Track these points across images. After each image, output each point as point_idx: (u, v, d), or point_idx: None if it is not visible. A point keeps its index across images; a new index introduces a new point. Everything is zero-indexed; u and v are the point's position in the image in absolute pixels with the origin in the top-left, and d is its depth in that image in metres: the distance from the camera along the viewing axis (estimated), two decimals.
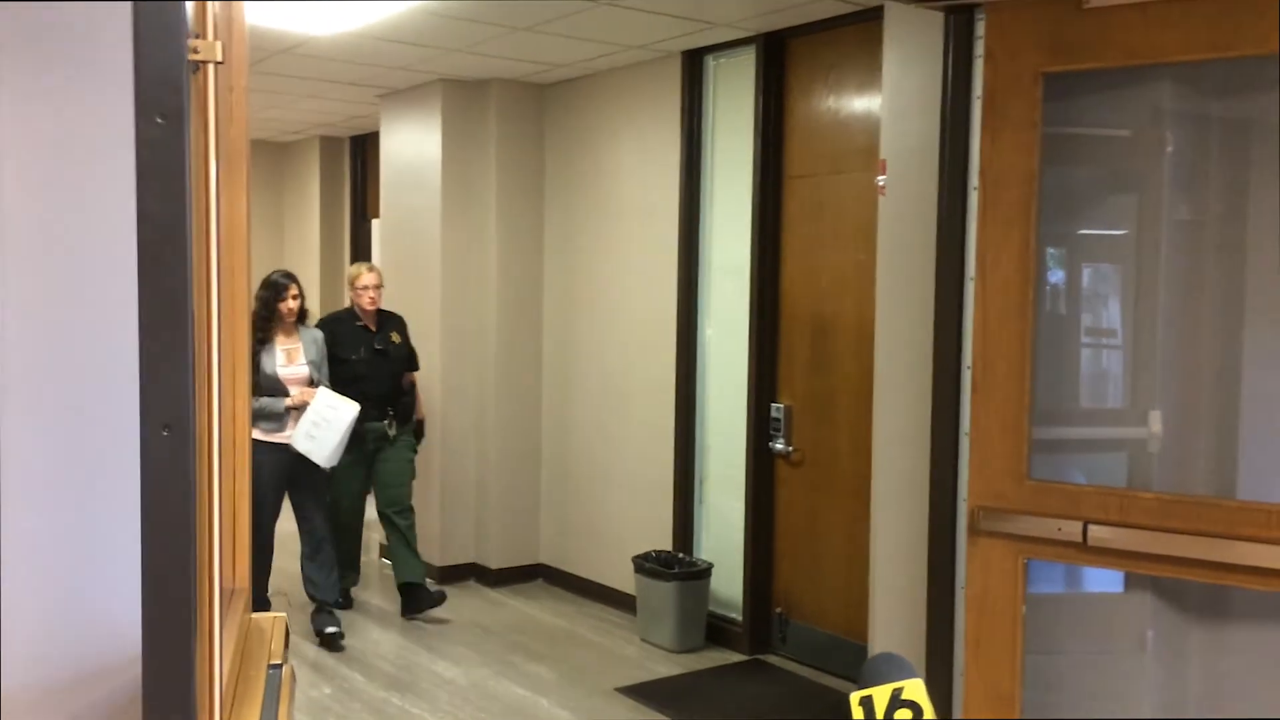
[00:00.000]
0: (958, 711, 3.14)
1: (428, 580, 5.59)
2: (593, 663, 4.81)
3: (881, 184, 3.62)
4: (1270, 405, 2.99)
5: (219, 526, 1.21)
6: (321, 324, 5.34)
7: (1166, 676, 3.17)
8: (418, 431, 5.63)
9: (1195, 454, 3.11)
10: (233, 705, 1.37)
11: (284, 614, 2.45)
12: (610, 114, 5.55)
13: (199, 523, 1.05)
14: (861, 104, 4.39)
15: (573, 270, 5.80)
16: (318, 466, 4.92)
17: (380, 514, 5.50)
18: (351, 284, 5.37)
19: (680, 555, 5.11)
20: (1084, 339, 3.43)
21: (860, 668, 1.27)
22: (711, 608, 5.04)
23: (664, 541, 5.25)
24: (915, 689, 1.21)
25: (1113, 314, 3.39)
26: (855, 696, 1.20)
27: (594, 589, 5.68)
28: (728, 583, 5.04)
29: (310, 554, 5.13)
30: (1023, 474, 2.92)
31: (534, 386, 6.02)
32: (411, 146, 6.16)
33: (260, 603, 4.74)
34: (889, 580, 3.66)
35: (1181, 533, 2.68)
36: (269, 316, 4.88)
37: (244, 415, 1.74)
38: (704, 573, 5.01)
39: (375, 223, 7.58)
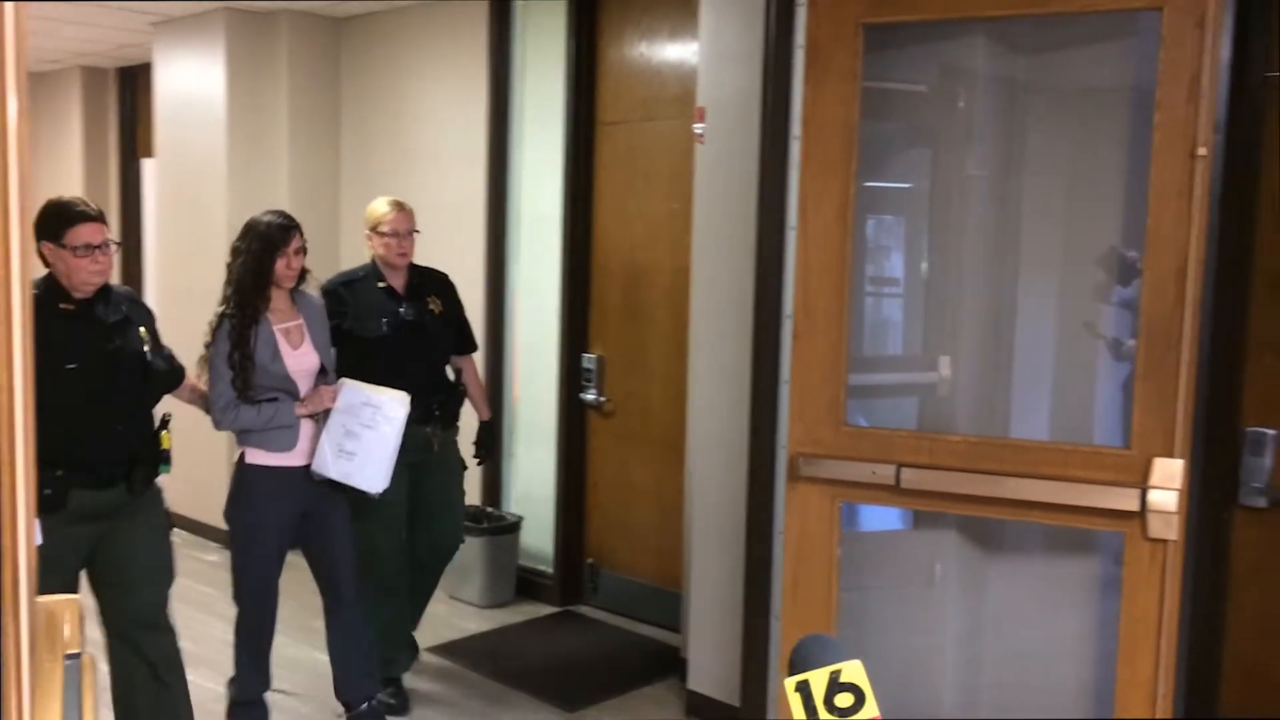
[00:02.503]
0: (775, 653, 3.21)
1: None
2: None
3: (699, 132, 3.60)
4: (1040, 350, 3.15)
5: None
6: (327, 288, 3.69)
7: (955, 607, 3.33)
8: (481, 440, 4.04)
9: (978, 396, 3.25)
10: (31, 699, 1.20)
11: (77, 595, 2.23)
12: (414, 53, 5.30)
13: None
14: (675, 51, 4.35)
15: None
16: (340, 500, 3.42)
17: (415, 561, 3.92)
18: (372, 228, 3.75)
19: (489, 510, 5.02)
20: (884, 289, 3.54)
21: (794, 649, 1.19)
22: (522, 561, 4.98)
23: (472, 496, 5.13)
24: (854, 671, 1.14)
25: (910, 264, 3.51)
26: (790, 683, 1.13)
27: None
28: (538, 536, 4.98)
29: (339, 631, 3.54)
30: (840, 420, 2.98)
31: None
32: (192, 81, 5.70)
33: (255, 708, 3.53)
34: (706, 527, 3.70)
35: (987, 473, 2.80)
36: (260, 282, 3.24)
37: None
38: (513, 527, 4.94)
39: (148, 162, 7.02)
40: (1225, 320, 2.74)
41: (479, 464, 4.09)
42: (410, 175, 5.33)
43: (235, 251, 3.30)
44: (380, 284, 3.74)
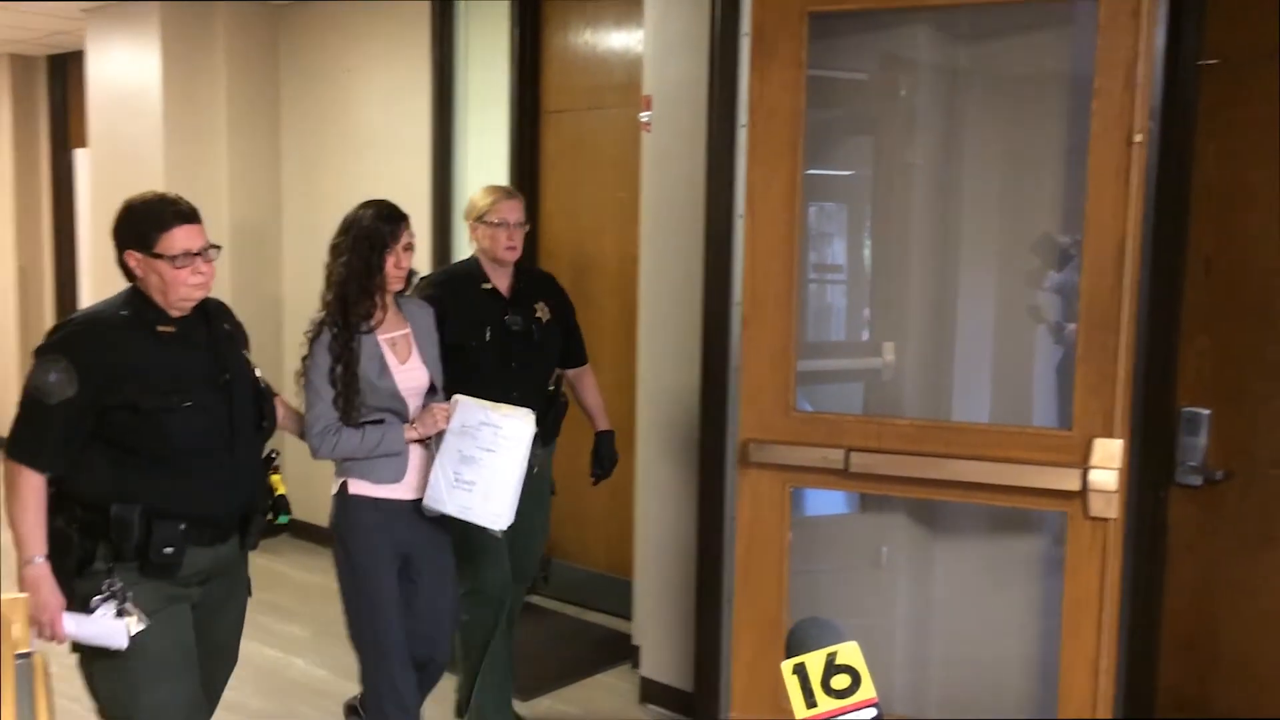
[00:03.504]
0: (728, 638, 3.24)
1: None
2: None
3: (646, 120, 3.60)
4: (982, 334, 3.21)
5: None
6: (424, 288, 3.19)
7: (904, 588, 3.39)
8: (602, 454, 3.55)
9: (923, 380, 3.31)
10: None
11: (23, 595, 2.19)
12: (355, 41, 5.23)
13: None
14: (621, 38, 4.35)
15: (315, 208, 5.45)
16: (447, 543, 3.00)
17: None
18: (476, 218, 3.27)
19: None
20: (830, 276, 3.58)
21: (790, 632, 1.19)
22: None
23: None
24: (850, 652, 1.15)
25: (854, 251, 3.55)
26: (788, 666, 1.13)
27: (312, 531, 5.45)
28: None
29: (427, 687, 3.09)
30: (789, 406, 3.01)
31: (275, 336, 5.66)
32: (126, 69, 5.58)
33: None
34: (657, 515, 3.71)
35: (933, 455, 2.85)
36: (367, 286, 2.80)
37: None
38: None
39: (81, 153, 6.86)
40: (1161, 303, 2.81)
41: (595, 483, 3.59)
42: (353, 165, 5.27)
43: (335, 249, 2.85)
44: (485, 285, 3.25)
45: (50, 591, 2.36)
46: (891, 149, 3.35)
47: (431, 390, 2.94)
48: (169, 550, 2.39)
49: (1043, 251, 3.12)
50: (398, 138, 5.06)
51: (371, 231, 2.81)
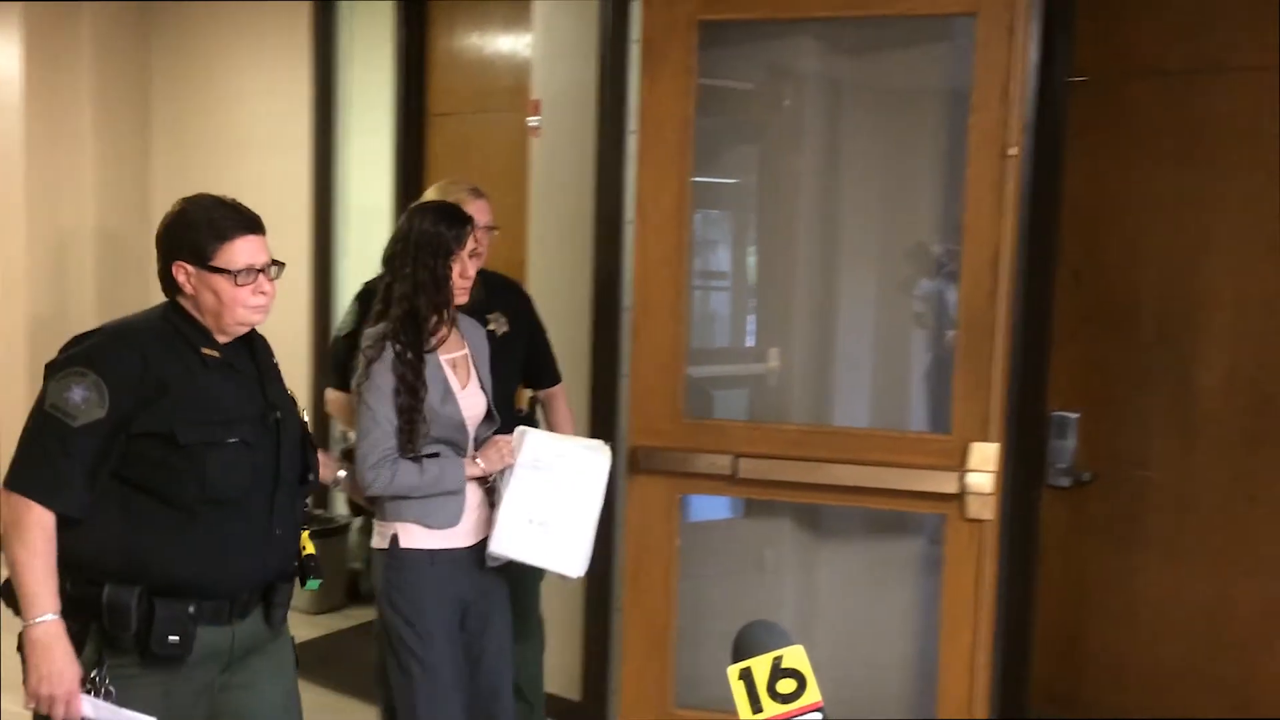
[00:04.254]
0: (617, 646, 3.24)
1: None
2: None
3: (535, 125, 3.58)
4: (864, 340, 3.29)
5: None
6: (361, 297, 2.88)
7: (789, 590, 3.44)
8: None
9: (807, 386, 3.37)
10: None
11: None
12: (231, 39, 5.07)
13: None
14: (509, 42, 4.31)
15: None
16: (505, 590, 2.66)
17: None
18: None
19: (317, 511, 4.86)
20: (717, 283, 3.62)
21: (737, 636, 1.17)
22: (353, 564, 4.84)
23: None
24: (795, 656, 1.14)
25: (740, 258, 3.60)
26: (734, 671, 1.11)
27: None
28: (369, 536, 4.85)
29: None
30: (678, 412, 3.02)
31: None
32: None
33: None
34: None
35: (818, 460, 2.89)
36: (437, 301, 2.48)
37: None
38: (343, 527, 4.80)
39: None
40: (1034, 311, 2.92)
41: None
42: (228, 167, 5.11)
43: (392, 262, 2.51)
44: None
45: (65, 659, 1.92)
46: (777, 158, 3.40)
47: (488, 418, 2.60)
48: (174, 639, 1.97)
49: (917, 259, 3.21)
50: (276, 139, 4.92)
51: (433, 237, 2.46)
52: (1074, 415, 2.94)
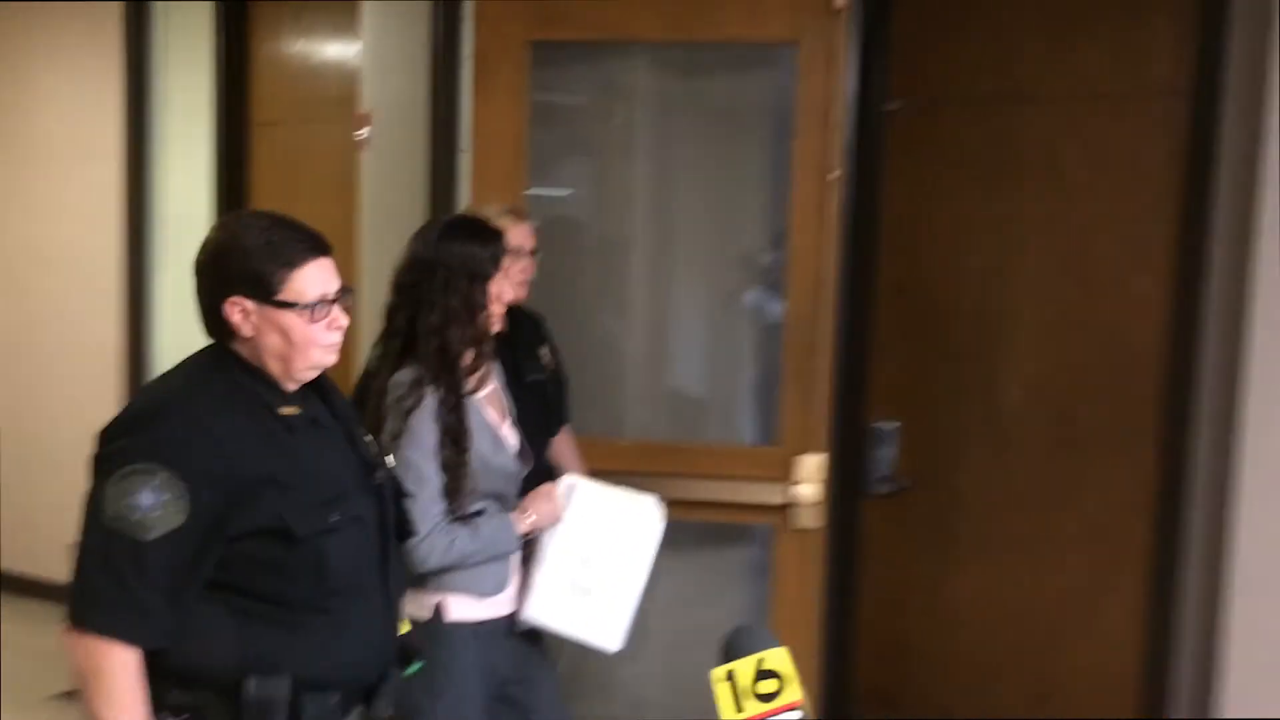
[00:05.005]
0: None
1: None
2: (24, 670, 4.19)
3: (363, 137, 3.51)
4: (693, 353, 3.36)
5: None
6: None
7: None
8: None
9: (643, 400, 3.42)
10: None
11: None
12: (34, 39, 4.78)
13: None
14: (336, 51, 4.21)
15: None
16: (544, 660, 2.43)
17: None
18: None
19: None
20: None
21: (723, 640, 1.18)
22: None
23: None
24: (777, 658, 1.16)
25: (575, 271, 3.61)
26: (719, 673, 1.13)
27: (19, 583, 4.95)
28: None
29: None
30: None
31: None
32: None
33: None
34: None
35: (654, 475, 2.93)
36: (476, 331, 2.20)
37: None
38: None
39: None
40: (855, 326, 3.05)
41: None
42: (29, 179, 4.83)
43: (414, 285, 2.18)
44: None
45: None
46: (611, 173, 3.44)
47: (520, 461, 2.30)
48: None
49: (745, 274, 3.30)
50: (84, 145, 4.67)
51: (466, 259, 2.15)
52: (893, 426, 3.08)
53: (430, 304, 2.14)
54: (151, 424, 1.61)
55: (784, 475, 2.85)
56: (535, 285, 2.74)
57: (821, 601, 2.91)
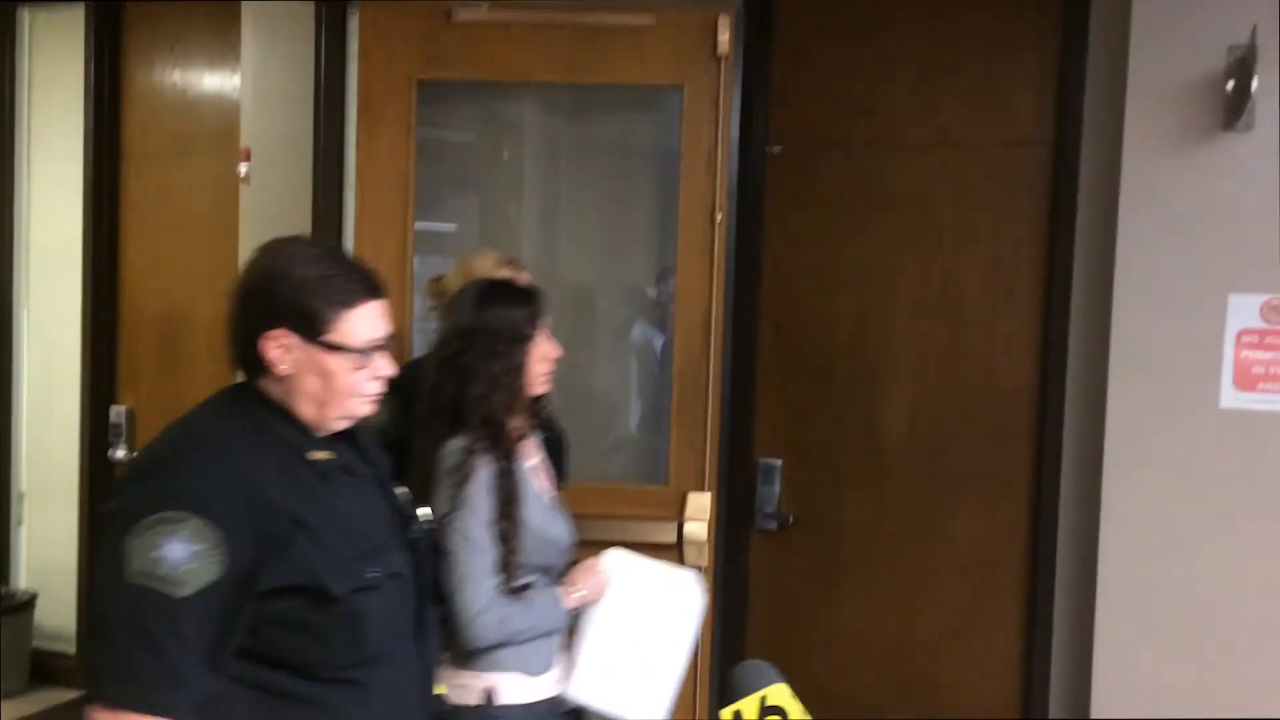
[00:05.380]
0: None
1: None
2: None
3: (244, 173, 3.45)
4: (580, 391, 3.37)
5: None
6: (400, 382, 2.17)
7: None
8: None
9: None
10: None
11: None
12: None
13: None
14: (215, 82, 4.12)
15: None
16: None
17: None
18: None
19: None
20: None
21: (727, 677, 1.18)
22: (37, 643, 4.41)
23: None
24: (779, 693, 1.17)
25: None
26: (727, 713, 1.13)
27: None
28: (58, 613, 4.44)
29: None
30: None
31: None
32: None
33: None
34: None
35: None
36: (522, 393, 2.13)
37: None
38: (25, 605, 4.36)
39: None
40: (740, 364, 3.11)
41: None
42: None
43: (455, 356, 2.09)
44: None
45: None
46: (499, 210, 3.45)
47: None
48: None
49: (633, 312, 3.34)
50: None
51: (506, 322, 2.10)
52: (778, 462, 3.15)
53: (473, 373, 2.07)
54: (175, 468, 1.43)
55: (674, 513, 2.88)
56: (421, 318, 2.74)
57: (712, 636, 2.94)
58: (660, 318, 3.18)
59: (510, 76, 2.92)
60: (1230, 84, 2.44)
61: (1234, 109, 2.45)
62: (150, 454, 1.50)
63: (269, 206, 3.39)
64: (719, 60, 2.80)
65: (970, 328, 3.01)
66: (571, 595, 2.11)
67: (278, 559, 1.41)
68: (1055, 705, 2.89)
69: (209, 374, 4.15)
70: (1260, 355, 2.58)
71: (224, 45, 3.95)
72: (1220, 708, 2.57)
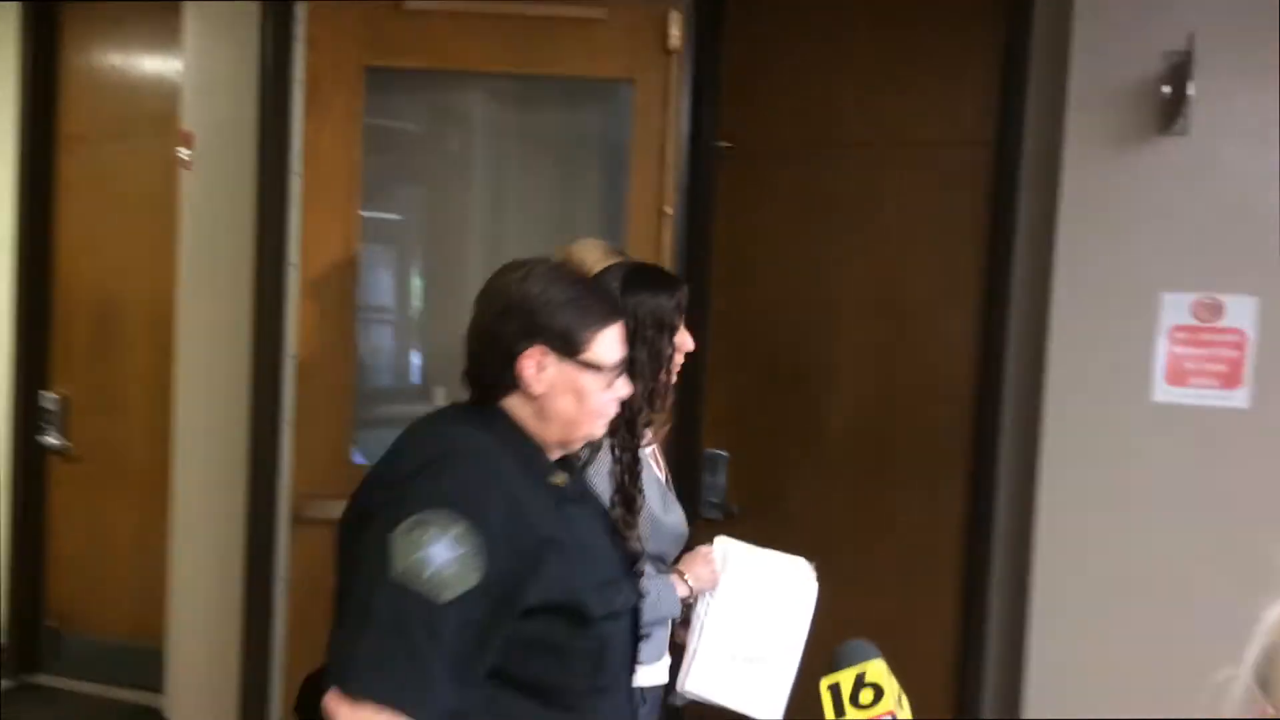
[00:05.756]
0: (276, 696, 3.12)
1: None
2: None
3: (185, 158, 3.39)
4: None
5: None
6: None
7: None
8: None
9: None
10: None
11: None
12: None
13: None
14: (155, 65, 4.05)
15: None
16: None
17: None
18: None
19: None
20: (384, 320, 3.58)
21: (835, 653, 1.26)
22: None
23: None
24: (877, 670, 1.22)
25: (406, 296, 3.59)
26: (824, 683, 1.19)
27: None
28: None
29: None
30: (346, 459, 2.97)
31: None
32: None
33: None
34: (195, 576, 3.47)
35: None
36: (661, 384, 2.06)
37: None
38: None
39: None
40: (687, 357, 3.09)
41: None
42: None
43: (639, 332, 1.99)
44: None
45: None
46: (446, 199, 3.43)
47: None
48: None
49: None
50: None
51: (655, 310, 2.01)
52: (724, 453, 3.18)
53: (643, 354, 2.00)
54: (440, 472, 1.43)
55: None
56: (366, 308, 2.73)
57: None
58: None
59: (461, 66, 2.91)
60: (1166, 89, 2.51)
61: (1170, 114, 2.52)
62: (411, 459, 1.49)
63: (210, 191, 3.34)
64: (670, 55, 2.82)
65: (913, 324, 3.06)
66: (683, 584, 2.06)
67: (537, 576, 1.41)
68: (992, 670, 2.93)
69: (147, 362, 4.09)
70: (1191, 351, 2.66)
71: (166, 26, 3.88)
72: (1153, 699, 2.65)
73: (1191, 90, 2.47)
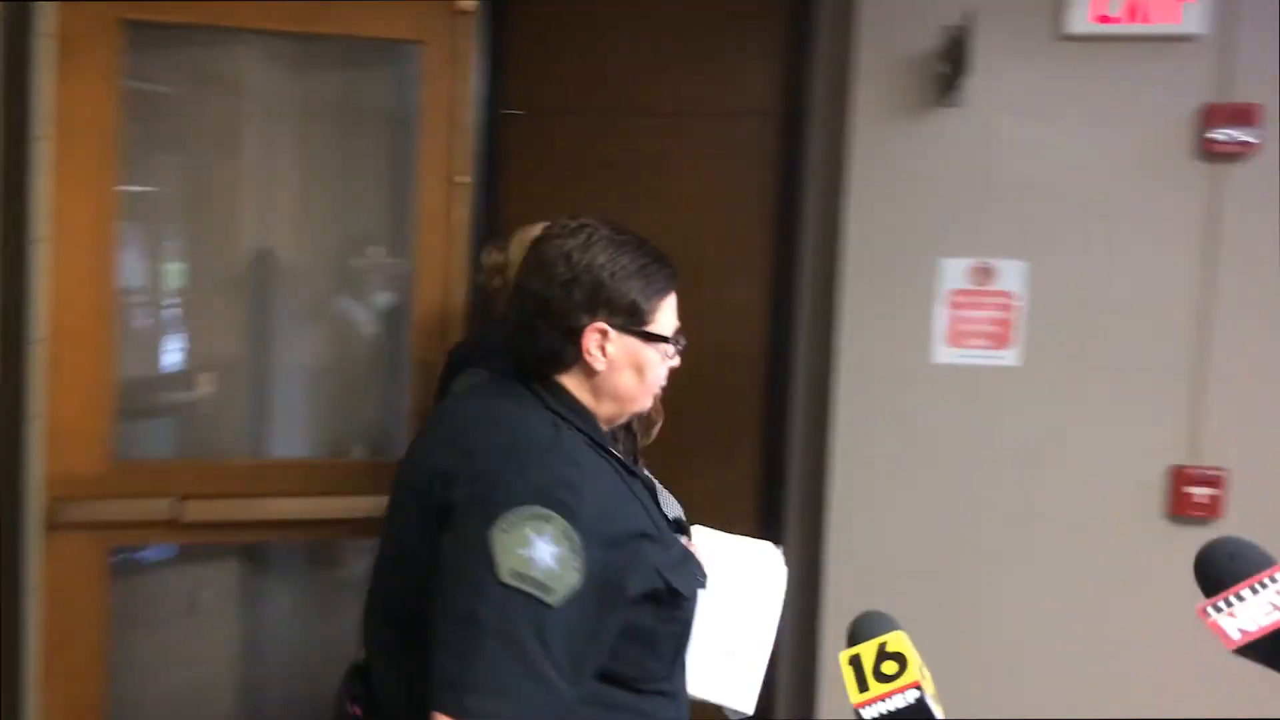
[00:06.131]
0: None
1: None
2: None
3: None
4: (300, 362, 3.20)
5: None
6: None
7: (229, 629, 3.24)
8: None
9: (246, 415, 3.21)
10: None
11: None
12: None
13: None
14: None
15: None
16: None
17: None
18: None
19: None
20: (146, 302, 3.28)
21: (852, 625, 1.18)
22: None
23: None
24: (898, 640, 1.16)
25: (168, 275, 3.31)
26: (844, 656, 1.12)
27: None
28: None
29: None
30: (108, 455, 2.69)
31: None
32: None
33: None
34: None
35: (263, 496, 2.74)
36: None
37: None
38: None
39: None
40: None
41: None
42: None
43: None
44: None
45: None
46: (210, 169, 3.16)
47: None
48: None
49: (359, 280, 3.18)
50: None
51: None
52: None
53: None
54: (531, 461, 1.34)
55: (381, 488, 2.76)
56: (122, 290, 2.46)
57: None
58: (396, 285, 3.04)
59: (231, 22, 2.67)
60: (946, 64, 2.64)
61: (948, 86, 2.65)
62: (485, 450, 1.37)
63: None
64: (461, 16, 2.70)
65: (706, 291, 3.10)
66: None
67: (636, 564, 1.36)
68: (789, 623, 3.03)
69: None
70: (968, 314, 2.82)
71: None
72: (940, 646, 2.81)
73: (967, 64, 2.60)
